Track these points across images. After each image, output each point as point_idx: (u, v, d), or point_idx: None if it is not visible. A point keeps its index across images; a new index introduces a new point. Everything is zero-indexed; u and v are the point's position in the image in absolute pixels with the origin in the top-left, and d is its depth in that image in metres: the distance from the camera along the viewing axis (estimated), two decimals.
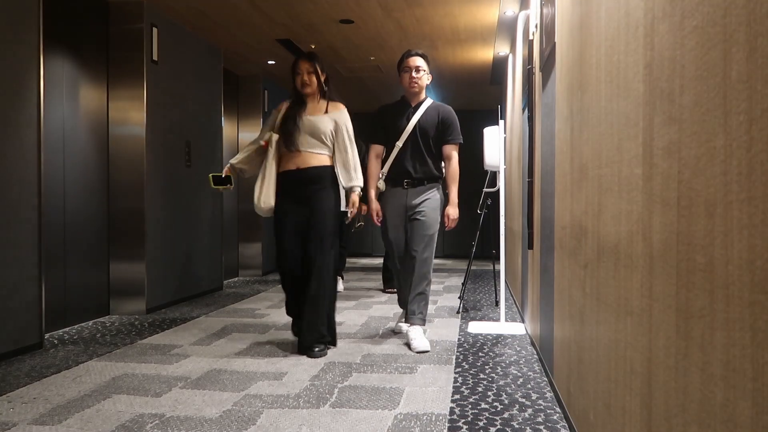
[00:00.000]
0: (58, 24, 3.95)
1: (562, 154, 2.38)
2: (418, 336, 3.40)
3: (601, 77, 1.69)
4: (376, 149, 3.64)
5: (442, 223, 3.59)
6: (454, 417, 2.27)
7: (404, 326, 3.63)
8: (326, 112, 3.33)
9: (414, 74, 3.55)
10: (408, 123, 3.52)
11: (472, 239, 4.99)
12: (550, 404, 2.43)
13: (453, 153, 3.59)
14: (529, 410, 2.36)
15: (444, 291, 5.73)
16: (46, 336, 3.64)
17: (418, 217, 3.50)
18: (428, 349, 3.32)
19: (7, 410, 2.35)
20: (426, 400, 2.47)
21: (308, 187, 3.26)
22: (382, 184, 3.58)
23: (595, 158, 1.75)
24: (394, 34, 5.53)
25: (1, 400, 2.47)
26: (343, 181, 3.33)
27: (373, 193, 3.59)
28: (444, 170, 3.65)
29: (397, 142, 3.52)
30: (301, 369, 2.95)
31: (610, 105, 1.57)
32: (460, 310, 4.56)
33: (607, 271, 1.59)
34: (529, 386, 2.68)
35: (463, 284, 5.00)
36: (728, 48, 0.87)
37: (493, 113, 8.65)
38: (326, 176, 3.29)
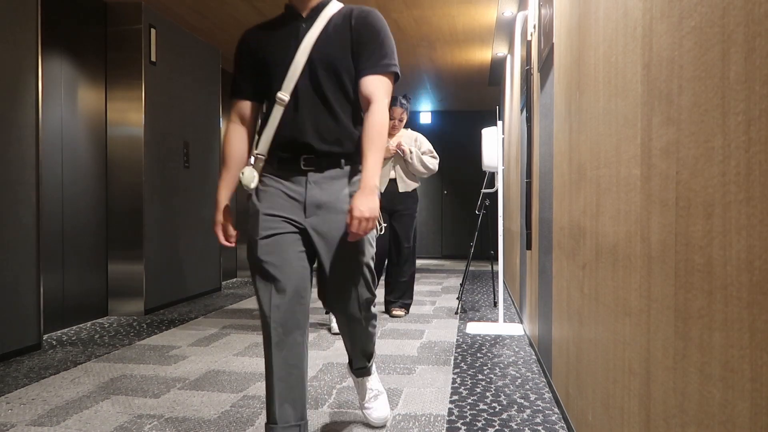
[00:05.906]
0: (57, 25, 3.95)
1: (561, 155, 2.38)
2: (379, 406, 2.17)
3: (599, 78, 1.69)
4: (239, 108, 1.92)
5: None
6: (453, 418, 2.27)
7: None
8: None
9: None
10: (296, 51, 1.80)
11: (471, 240, 4.99)
12: (548, 405, 2.43)
13: (375, 91, 1.81)
14: (528, 411, 2.36)
15: (442, 292, 5.73)
16: (45, 337, 3.63)
17: (331, 230, 1.83)
18: (388, 415, 2.20)
19: (6, 411, 2.34)
20: (424, 401, 2.47)
21: None
22: (249, 172, 1.89)
23: (594, 159, 1.75)
24: (392, 35, 5.53)
25: (0, 401, 2.47)
26: None
27: (221, 196, 2.04)
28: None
29: (280, 93, 1.80)
30: None
31: (609, 105, 1.57)
32: (459, 311, 4.56)
33: (606, 271, 1.59)
34: (528, 387, 2.68)
35: (461, 285, 5.00)
36: (726, 48, 0.87)
37: (491, 114, 8.67)
38: None
